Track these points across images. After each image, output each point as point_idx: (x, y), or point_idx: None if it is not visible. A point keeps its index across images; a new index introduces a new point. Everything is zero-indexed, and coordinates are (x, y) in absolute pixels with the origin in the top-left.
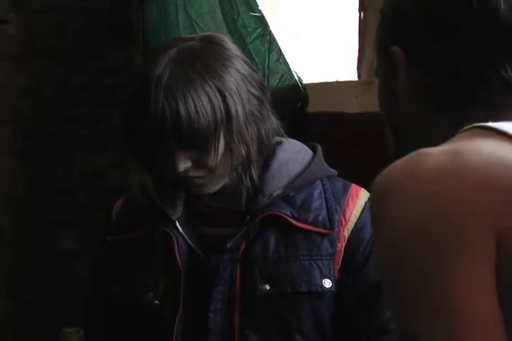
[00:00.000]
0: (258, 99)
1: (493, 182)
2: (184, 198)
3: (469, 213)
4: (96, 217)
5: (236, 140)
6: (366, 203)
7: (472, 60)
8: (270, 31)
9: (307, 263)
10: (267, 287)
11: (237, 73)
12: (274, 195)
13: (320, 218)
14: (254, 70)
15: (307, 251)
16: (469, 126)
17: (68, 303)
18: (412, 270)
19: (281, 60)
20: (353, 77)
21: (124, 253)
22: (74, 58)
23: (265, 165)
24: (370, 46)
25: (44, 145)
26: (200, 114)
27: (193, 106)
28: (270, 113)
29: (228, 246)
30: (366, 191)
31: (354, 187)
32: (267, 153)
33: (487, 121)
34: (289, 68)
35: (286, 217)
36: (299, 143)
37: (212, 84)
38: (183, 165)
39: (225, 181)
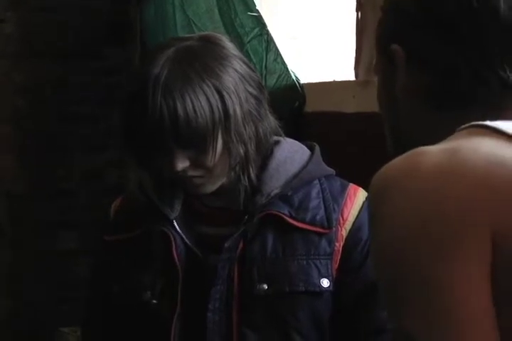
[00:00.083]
0: (256, 98)
1: (491, 180)
2: (182, 197)
3: (467, 211)
4: (96, 216)
5: (234, 139)
6: (364, 202)
7: (472, 60)
8: (268, 31)
9: (305, 262)
10: (265, 286)
11: (235, 72)
12: (272, 194)
13: (318, 217)
14: (252, 70)
15: (305, 251)
16: (467, 125)
17: (68, 303)
18: (410, 269)
19: (278, 59)
20: (351, 76)
21: (122, 253)
22: (73, 57)
23: (263, 165)
24: (368, 46)
25: (44, 145)
26: (198, 114)
27: (191, 106)
28: (268, 112)
29: (226, 245)
30: (364, 190)
31: (352, 186)
32: (265, 153)
33: (486, 121)
34: (287, 68)
35: (284, 216)
36: (297, 142)
37: (210, 84)
38: (181, 164)
39: (223, 180)
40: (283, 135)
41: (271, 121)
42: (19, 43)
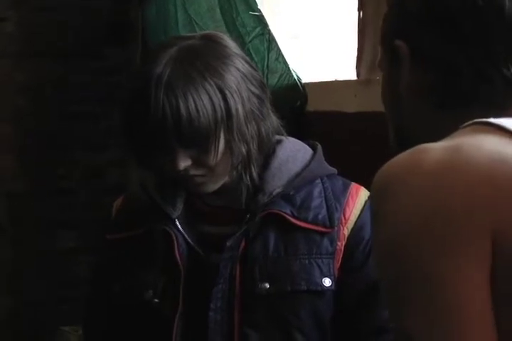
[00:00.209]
0: (258, 97)
1: (493, 177)
2: (184, 196)
3: (470, 208)
4: (96, 215)
5: (236, 138)
6: (366, 202)
7: (474, 58)
8: (269, 30)
9: (307, 261)
10: (267, 285)
11: (237, 71)
12: (274, 193)
13: (320, 217)
14: (254, 69)
15: (307, 250)
16: (470, 122)
17: (68, 303)
18: (413, 265)
19: (280, 59)
20: (352, 76)
21: (123, 252)
22: (74, 57)
23: (265, 164)
24: (370, 45)
25: (44, 144)
26: (201, 113)
27: (193, 105)
28: (270, 111)
29: (228, 244)
30: (366, 190)
31: (354, 185)
32: (267, 152)
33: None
34: (288, 67)
35: (286, 215)
36: (299, 141)
37: (212, 83)
38: (184, 163)
39: (225, 179)
40: (285, 134)
41: (273, 120)
42: (20, 43)
